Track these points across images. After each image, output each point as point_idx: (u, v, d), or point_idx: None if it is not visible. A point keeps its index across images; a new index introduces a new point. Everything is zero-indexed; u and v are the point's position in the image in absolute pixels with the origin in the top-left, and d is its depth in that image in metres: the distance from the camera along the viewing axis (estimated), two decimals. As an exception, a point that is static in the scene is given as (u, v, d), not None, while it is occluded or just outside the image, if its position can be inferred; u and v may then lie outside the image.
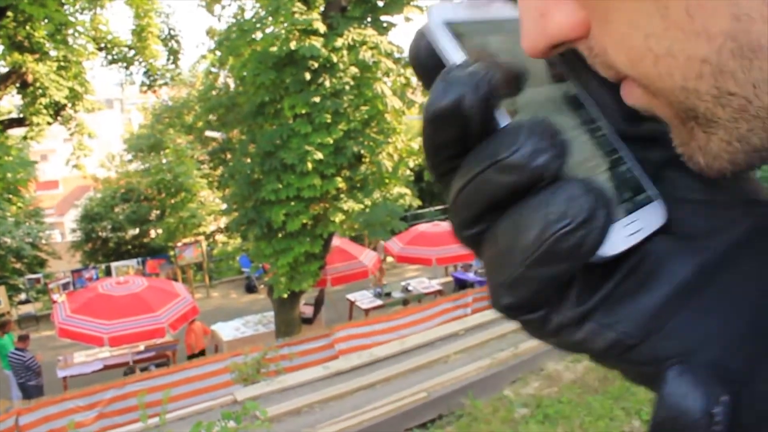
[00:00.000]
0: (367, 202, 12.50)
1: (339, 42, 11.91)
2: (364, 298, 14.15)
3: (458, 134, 0.30)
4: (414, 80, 13.29)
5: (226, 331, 12.69)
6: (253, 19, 12.59)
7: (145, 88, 20.02)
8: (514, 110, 0.31)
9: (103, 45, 18.96)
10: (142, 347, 11.91)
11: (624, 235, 0.32)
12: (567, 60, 0.36)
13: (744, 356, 0.30)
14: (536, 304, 0.31)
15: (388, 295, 14.28)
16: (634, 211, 0.33)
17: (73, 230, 22.57)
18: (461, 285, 15.39)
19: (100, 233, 21.45)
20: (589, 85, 0.36)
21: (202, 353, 11.90)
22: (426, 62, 0.33)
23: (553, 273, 0.29)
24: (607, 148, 0.35)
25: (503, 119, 0.30)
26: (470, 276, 15.43)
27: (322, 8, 12.20)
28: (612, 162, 0.35)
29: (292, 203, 12.13)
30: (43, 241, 18.97)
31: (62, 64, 17.49)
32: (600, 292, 0.32)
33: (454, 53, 0.32)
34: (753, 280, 0.32)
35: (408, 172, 13.84)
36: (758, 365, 0.30)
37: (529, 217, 0.28)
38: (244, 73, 12.55)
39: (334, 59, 11.96)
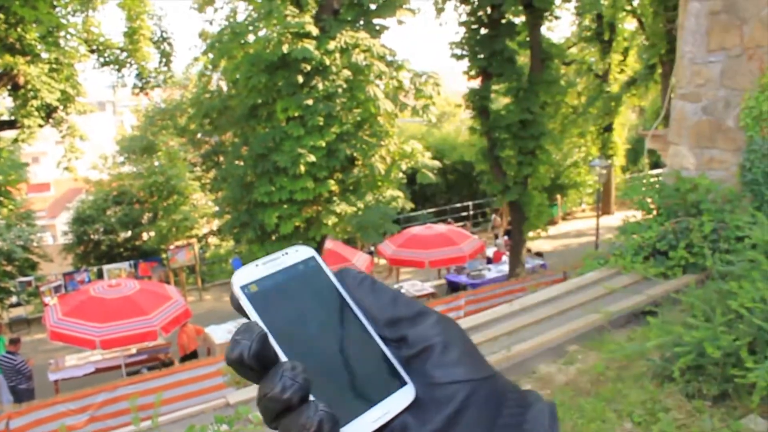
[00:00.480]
0: (360, 204, 12.51)
1: (331, 45, 11.93)
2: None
3: (249, 371, 0.46)
4: (407, 83, 13.32)
5: (219, 333, 12.64)
6: (246, 22, 12.59)
7: (137, 91, 19.99)
8: (289, 344, 0.47)
9: (95, 47, 18.92)
10: (134, 350, 11.86)
11: (369, 421, 0.47)
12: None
13: None
14: None
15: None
16: (387, 397, 0.48)
17: (65, 233, 22.46)
18: (454, 287, 15.41)
19: (92, 236, 21.35)
20: (362, 303, 0.53)
21: (194, 354, 11.86)
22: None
23: None
24: (375, 348, 0.51)
25: (281, 354, 0.46)
26: (463, 278, 15.45)
27: (314, 11, 12.21)
28: (376, 359, 0.50)
29: (285, 206, 12.12)
30: (35, 244, 18.86)
31: (54, 66, 17.43)
32: None
33: (250, 311, 0.48)
34: (472, 429, 0.49)
35: (400, 174, 13.85)
36: None
37: (286, 428, 0.45)
38: (237, 76, 12.54)
39: (327, 62, 11.97)
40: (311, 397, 0.45)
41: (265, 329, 0.47)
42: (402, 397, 0.49)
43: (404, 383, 0.50)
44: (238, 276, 0.49)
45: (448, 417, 0.49)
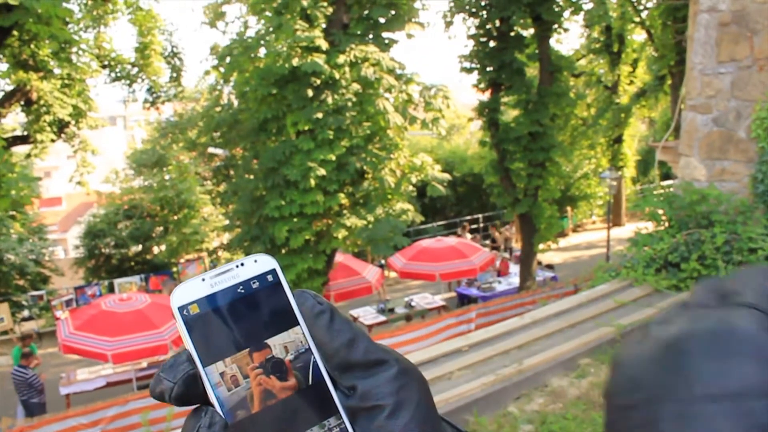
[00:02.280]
0: (370, 217, 12.51)
1: (341, 59, 11.99)
2: (367, 314, 14.11)
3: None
4: (416, 96, 13.36)
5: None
6: (256, 36, 12.68)
7: (148, 105, 20.14)
8: (220, 381, 0.43)
9: (106, 62, 19.11)
10: (144, 364, 11.88)
11: None
12: None
13: None
14: None
15: (392, 310, 14.25)
16: None
17: (76, 247, 22.57)
18: (465, 300, 15.36)
19: (103, 250, 21.46)
20: (315, 338, 0.48)
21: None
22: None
23: None
24: (326, 395, 0.46)
25: (210, 393, 0.43)
26: (474, 291, 15.40)
27: (324, 25, 12.28)
28: (324, 407, 0.46)
29: (295, 219, 12.15)
30: (47, 258, 18.99)
31: (66, 81, 17.61)
32: None
33: (185, 338, 0.43)
34: None
35: (410, 187, 13.86)
36: None
37: None
38: (246, 90, 12.62)
39: (337, 76, 12.02)
40: None
41: (198, 363, 0.43)
42: None
43: None
44: (177, 294, 0.44)
45: None
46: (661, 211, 8.04)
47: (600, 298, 7.43)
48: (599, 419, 4.52)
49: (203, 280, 0.44)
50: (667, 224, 7.98)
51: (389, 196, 13.19)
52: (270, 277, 0.46)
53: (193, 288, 0.44)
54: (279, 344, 0.45)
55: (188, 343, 0.43)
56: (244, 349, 0.44)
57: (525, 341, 6.34)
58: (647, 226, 8.37)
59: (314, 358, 0.46)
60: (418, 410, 0.47)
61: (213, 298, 0.44)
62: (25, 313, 17.62)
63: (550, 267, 18.02)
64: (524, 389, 5.24)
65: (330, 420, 0.46)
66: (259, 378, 0.44)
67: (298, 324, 0.46)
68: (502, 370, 5.51)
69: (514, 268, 17.29)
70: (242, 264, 0.46)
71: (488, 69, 15.84)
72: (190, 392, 0.44)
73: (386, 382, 0.46)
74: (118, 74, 19.46)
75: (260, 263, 0.46)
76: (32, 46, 16.08)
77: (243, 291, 0.45)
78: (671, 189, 8.61)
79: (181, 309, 0.43)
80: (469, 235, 21.65)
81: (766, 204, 7.42)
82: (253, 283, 0.46)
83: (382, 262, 18.54)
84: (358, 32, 12.51)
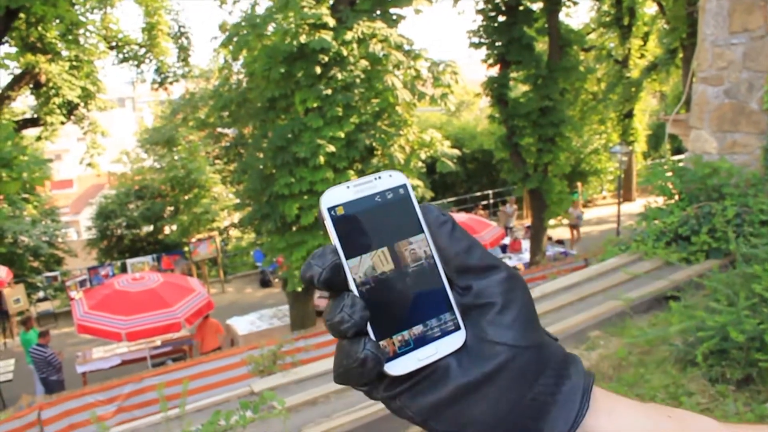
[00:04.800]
0: (380, 194, 12.51)
1: (349, 35, 11.92)
2: None
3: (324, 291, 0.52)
4: (425, 72, 13.29)
5: (242, 325, 12.77)
6: (264, 14, 12.61)
7: (156, 86, 20.15)
8: (357, 273, 0.50)
9: (114, 44, 19.10)
10: (158, 342, 12.02)
11: (418, 357, 0.50)
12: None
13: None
14: (362, 384, 0.52)
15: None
16: (440, 338, 0.51)
17: (89, 228, 22.76)
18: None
19: (115, 230, 21.62)
20: (438, 244, 0.54)
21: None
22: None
23: (354, 380, 0.51)
24: (441, 289, 0.53)
25: (351, 283, 0.49)
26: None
27: (331, 2, 12.21)
28: (439, 299, 0.53)
29: (305, 197, 12.17)
30: (60, 240, 19.15)
31: (74, 63, 17.64)
32: (402, 386, 0.52)
33: (332, 233, 0.49)
34: (506, 390, 0.52)
35: (420, 164, 13.84)
36: None
37: (337, 354, 0.51)
38: (255, 68, 12.59)
39: (344, 52, 11.97)
40: (369, 329, 0.49)
41: (342, 255, 0.49)
42: (453, 341, 0.52)
43: (458, 328, 0.52)
44: (327, 196, 0.50)
45: (487, 374, 0.52)
46: (671, 185, 8.00)
47: (610, 272, 7.43)
48: (609, 390, 4.55)
49: (348, 187, 0.51)
50: (677, 198, 7.95)
51: (399, 173, 13.18)
52: (401, 191, 0.53)
53: (340, 193, 0.51)
54: (407, 248, 0.52)
55: (334, 238, 0.49)
56: (379, 248, 0.51)
57: (535, 315, 6.35)
58: (657, 200, 8.34)
59: (436, 261, 0.53)
60: (522, 309, 0.53)
61: (356, 203, 0.51)
62: (41, 294, 17.83)
63: (560, 242, 18.00)
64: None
65: (445, 315, 0.53)
66: (385, 274, 0.51)
67: (423, 232, 0.53)
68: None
69: (522, 244, 17.29)
70: (379, 177, 0.53)
71: (497, 44, 15.72)
72: (335, 279, 0.50)
73: (497, 284, 0.53)
74: (126, 55, 19.46)
75: (394, 178, 0.53)
76: (39, 28, 16.09)
77: (379, 199, 0.52)
78: (681, 163, 8.56)
79: (329, 209, 0.50)
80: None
81: (777, 176, 7.37)
82: (388, 194, 0.53)
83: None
84: (366, 8, 12.42)
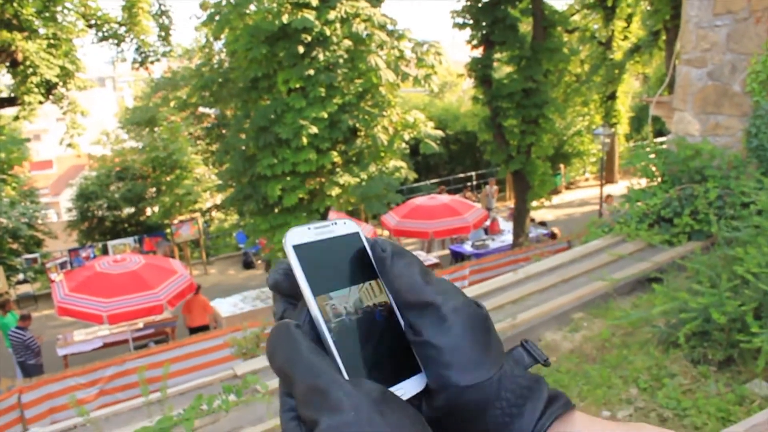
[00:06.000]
0: (363, 175, 12.47)
1: (332, 15, 11.79)
2: None
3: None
4: (408, 53, 13.20)
5: (225, 307, 12.72)
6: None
7: (137, 65, 19.84)
8: (323, 310, 0.50)
9: (93, 22, 18.73)
10: (140, 324, 11.95)
11: None
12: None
13: None
14: None
15: (386, 268, 14.27)
16: (403, 381, 0.51)
17: (69, 209, 22.50)
18: (458, 258, 15.43)
19: (95, 212, 21.39)
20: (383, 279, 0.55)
21: (205, 329, 11.94)
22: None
23: None
24: (400, 332, 0.54)
25: (318, 316, 0.50)
26: (467, 249, 15.46)
27: (314, -20, 12.05)
28: (398, 342, 0.53)
29: (288, 178, 12.10)
30: (39, 221, 18.90)
31: (52, 42, 17.29)
32: None
33: (297, 270, 0.50)
34: (460, 423, 0.53)
35: (403, 145, 13.78)
36: None
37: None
38: (236, 48, 12.43)
39: (327, 32, 11.84)
40: (342, 368, 0.49)
41: (309, 290, 0.50)
42: (417, 382, 0.52)
43: (418, 371, 0.53)
44: (291, 235, 0.52)
45: (439, 409, 0.53)
46: (653, 167, 8.03)
47: (593, 254, 7.47)
48: (592, 372, 4.58)
49: (309, 228, 0.53)
50: (660, 179, 7.99)
51: (382, 154, 13.13)
52: (356, 238, 0.56)
53: (302, 233, 0.52)
54: (366, 291, 0.54)
55: (300, 275, 0.50)
56: (342, 289, 0.52)
57: (519, 296, 6.38)
58: (640, 182, 8.37)
59: (392, 303, 0.54)
60: (460, 348, 0.52)
61: (317, 244, 0.53)
62: (20, 276, 17.63)
63: (543, 224, 18.07)
64: (518, 343, 5.30)
65: (408, 356, 0.53)
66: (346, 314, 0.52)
67: (378, 277, 0.55)
68: (496, 325, 5.57)
69: (505, 226, 17.35)
70: (335, 223, 0.55)
71: (481, 24, 15.63)
72: (283, 284, 0.53)
73: (431, 324, 0.52)
74: (106, 34, 19.09)
75: (347, 226, 0.56)
76: (15, 4, 15.74)
77: (338, 243, 0.54)
78: (664, 145, 8.59)
79: (294, 247, 0.51)
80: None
81: (759, 158, 7.41)
82: (345, 239, 0.55)
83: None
84: (349, -13, 12.28)
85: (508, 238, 16.46)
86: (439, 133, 14.06)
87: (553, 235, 15.67)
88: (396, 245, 0.55)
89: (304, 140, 11.71)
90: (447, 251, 16.93)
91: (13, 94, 17.53)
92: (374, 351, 0.51)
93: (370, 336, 0.51)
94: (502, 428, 0.52)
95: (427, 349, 0.52)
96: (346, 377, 0.47)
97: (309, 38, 11.81)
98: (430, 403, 0.53)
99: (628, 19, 24.87)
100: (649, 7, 22.35)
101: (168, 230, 19.42)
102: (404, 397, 0.50)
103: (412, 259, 0.55)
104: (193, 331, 11.83)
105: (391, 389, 0.49)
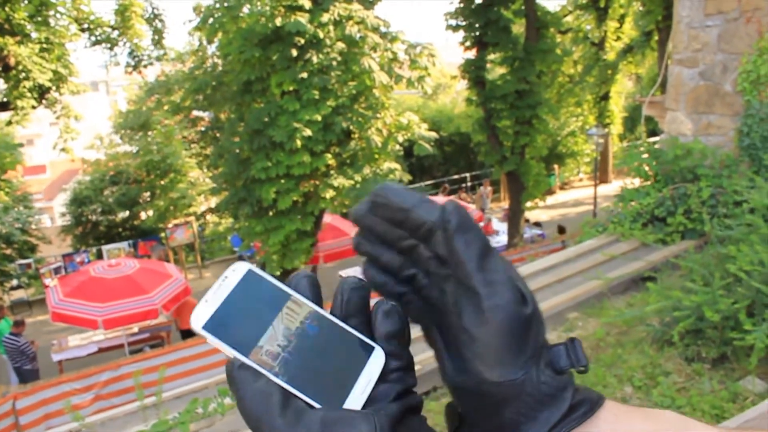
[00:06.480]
0: (358, 177, 12.47)
1: (325, 17, 11.80)
2: (357, 275, 14.12)
3: None
4: (401, 55, 13.21)
5: (220, 310, 12.68)
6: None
7: (130, 69, 19.79)
8: (260, 360, 0.50)
9: (85, 26, 18.68)
10: (135, 329, 11.92)
11: (358, 394, 0.50)
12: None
13: None
14: None
15: (381, 270, 14.27)
16: (364, 367, 0.51)
17: (63, 214, 22.43)
18: (453, 259, 15.41)
19: (89, 217, 21.32)
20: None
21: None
22: None
23: None
24: (335, 328, 0.53)
25: (260, 369, 0.49)
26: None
27: (306, -17, 12.05)
28: (340, 337, 0.53)
29: (282, 181, 12.09)
30: (33, 226, 18.83)
31: (44, 46, 17.23)
32: None
33: (220, 345, 0.50)
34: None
35: (397, 147, 13.79)
36: None
37: None
38: (230, 51, 12.42)
39: (321, 35, 11.85)
40: (306, 399, 0.49)
41: (242, 357, 0.50)
42: (376, 361, 0.52)
43: (372, 348, 0.53)
44: (195, 319, 0.51)
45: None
46: (647, 167, 8.06)
47: (587, 253, 7.49)
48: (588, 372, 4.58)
49: (206, 301, 0.52)
50: (653, 179, 8.02)
51: (376, 156, 13.14)
52: (251, 276, 0.54)
53: (204, 310, 0.51)
54: (287, 315, 0.53)
55: (225, 348, 0.50)
56: (266, 330, 0.51)
57: (513, 297, 6.38)
58: (634, 182, 8.40)
59: (316, 309, 0.54)
60: (490, 349, 0.51)
61: (221, 309, 0.52)
62: (14, 282, 17.56)
63: (537, 224, 18.11)
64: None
65: (356, 347, 0.53)
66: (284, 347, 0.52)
67: (290, 295, 0.54)
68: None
69: (500, 227, 17.37)
70: (226, 277, 0.53)
71: (474, 26, 15.66)
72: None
73: (471, 312, 0.52)
74: (99, 38, 19.04)
75: (237, 270, 0.54)
76: (7, 8, 15.69)
77: (237, 293, 0.53)
78: (657, 145, 8.62)
79: (204, 328, 0.51)
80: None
81: (751, 157, 7.45)
82: (242, 284, 0.53)
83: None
84: (342, -10, 12.29)
85: (502, 238, 16.48)
86: (433, 134, 14.08)
87: (561, 230, 15.61)
88: (464, 217, 0.53)
89: (298, 143, 11.71)
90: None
91: (5, 99, 17.46)
92: (326, 360, 0.51)
93: (314, 351, 0.51)
94: (512, 425, 0.53)
95: (461, 332, 0.52)
96: (317, 406, 0.48)
97: (302, 41, 11.81)
98: (446, 379, 0.54)
99: (621, 19, 24.94)
100: (641, 8, 22.42)
101: (162, 234, 19.38)
102: (372, 383, 0.51)
103: (474, 236, 0.53)
104: (185, 333, 11.81)
105: (358, 383, 0.51)
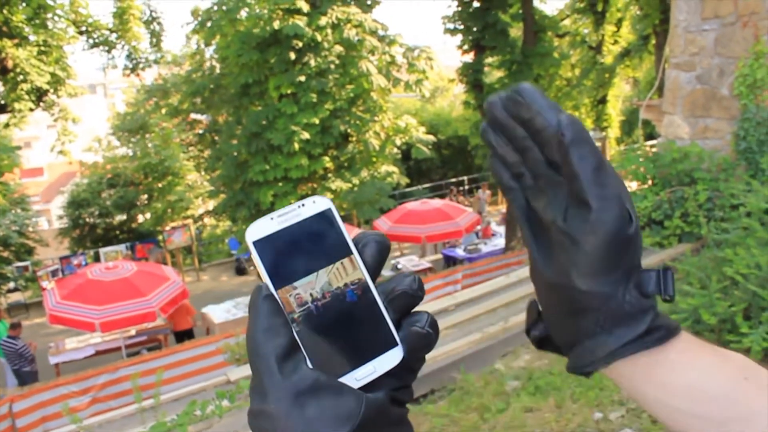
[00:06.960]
0: (355, 180, 12.49)
1: (323, 21, 11.82)
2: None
3: None
4: (399, 58, 13.24)
5: (218, 313, 12.68)
6: (236, -1, 12.45)
7: (128, 72, 19.80)
8: (290, 301, 0.49)
9: (83, 28, 18.69)
10: (133, 332, 11.90)
11: (355, 378, 0.49)
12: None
13: None
14: None
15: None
16: (377, 357, 0.50)
17: (60, 217, 22.40)
18: (451, 262, 15.44)
19: (87, 219, 21.30)
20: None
21: (189, 333, 11.91)
22: None
23: None
24: (374, 307, 0.51)
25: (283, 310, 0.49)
26: (459, 253, 15.48)
27: (304, -13, 12.08)
28: (373, 318, 0.51)
29: (280, 184, 12.10)
30: (30, 229, 18.80)
31: (42, 48, 17.23)
32: None
33: (260, 267, 0.49)
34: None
35: (395, 150, 13.81)
36: None
37: None
38: (228, 54, 12.44)
39: (319, 38, 11.87)
40: (306, 358, 0.48)
41: (271, 286, 0.49)
42: (390, 358, 0.51)
43: (395, 344, 0.51)
44: (252, 230, 0.50)
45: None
46: (644, 170, 8.08)
47: (585, 257, 7.49)
48: (584, 377, 4.59)
49: (272, 218, 0.51)
50: (650, 182, 8.04)
51: (374, 159, 13.15)
52: (327, 215, 0.53)
53: (264, 225, 0.50)
54: (338, 271, 0.51)
55: (262, 271, 0.49)
56: (309, 275, 0.50)
57: (511, 299, 6.40)
58: (631, 185, 8.41)
59: (367, 280, 0.52)
60: (587, 260, 0.54)
61: (282, 233, 0.50)
62: (11, 284, 17.52)
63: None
64: (510, 346, 5.32)
65: (381, 334, 0.52)
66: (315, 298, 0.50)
67: (352, 253, 0.52)
68: (488, 328, 5.59)
69: (498, 230, 17.38)
70: (303, 204, 0.52)
71: (472, 29, 15.70)
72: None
73: (579, 221, 0.54)
74: (96, 40, 19.04)
75: (318, 204, 0.53)
76: (5, 11, 15.70)
77: (304, 226, 0.51)
78: (654, 148, 8.65)
79: (255, 243, 0.49)
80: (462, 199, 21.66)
81: (747, 161, 7.47)
82: (313, 220, 0.52)
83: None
84: (340, -7, 12.32)
85: (500, 242, 16.48)
86: (431, 137, 14.10)
87: None
88: (578, 130, 0.54)
89: (296, 146, 11.72)
90: (440, 255, 16.95)
91: (3, 102, 17.45)
92: (344, 333, 0.50)
93: (339, 318, 0.50)
94: (588, 334, 0.56)
95: (564, 237, 0.55)
96: (310, 366, 0.47)
97: (300, 44, 11.83)
98: (535, 276, 0.59)
99: (618, 23, 24.99)
100: (638, 12, 22.49)
101: (160, 237, 19.36)
102: (375, 375, 0.50)
103: (589, 150, 0.53)
104: (179, 335, 11.81)
105: (362, 368, 0.49)
